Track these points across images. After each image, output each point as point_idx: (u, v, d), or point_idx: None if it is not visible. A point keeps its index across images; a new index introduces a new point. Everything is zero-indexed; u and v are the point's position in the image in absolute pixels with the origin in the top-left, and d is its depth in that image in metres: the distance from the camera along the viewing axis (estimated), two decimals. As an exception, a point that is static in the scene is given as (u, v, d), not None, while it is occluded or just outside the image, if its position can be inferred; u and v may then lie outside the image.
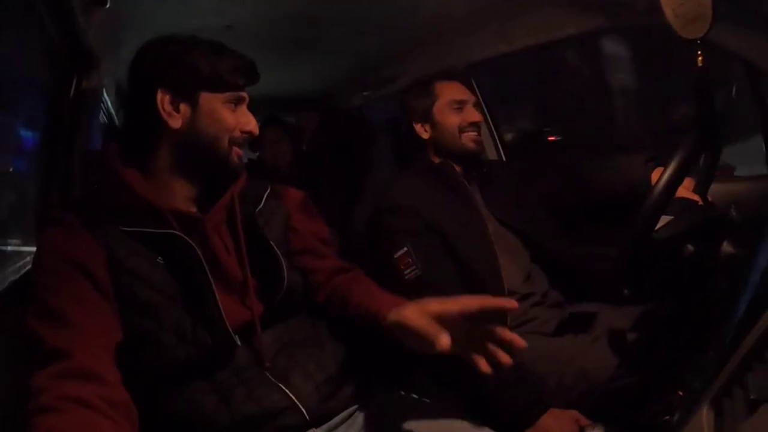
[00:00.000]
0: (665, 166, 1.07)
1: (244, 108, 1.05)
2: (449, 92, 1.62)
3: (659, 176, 1.08)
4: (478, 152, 1.62)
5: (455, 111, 1.60)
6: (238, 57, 1.03)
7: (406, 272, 1.41)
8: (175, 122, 0.99)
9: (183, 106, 1.00)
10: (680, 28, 0.98)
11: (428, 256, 1.42)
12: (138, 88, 1.02)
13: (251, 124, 1.05)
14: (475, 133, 1.60)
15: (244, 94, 1.05)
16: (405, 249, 1.42)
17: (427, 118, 1.62)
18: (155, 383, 0.94)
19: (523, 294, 1.48)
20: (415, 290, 1.34)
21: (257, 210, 1.10)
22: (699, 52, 1.00)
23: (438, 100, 1.61)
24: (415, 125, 1.64)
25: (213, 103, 1.01)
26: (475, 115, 1.60)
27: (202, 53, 1.00)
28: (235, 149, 1.04)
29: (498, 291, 1.42)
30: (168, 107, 0.99)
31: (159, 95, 0.98)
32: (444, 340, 0.85)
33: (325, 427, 0.97)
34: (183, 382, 0.94)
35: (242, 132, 1.04)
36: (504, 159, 2.35)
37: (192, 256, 0.96)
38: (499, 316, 0.90)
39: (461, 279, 1.44)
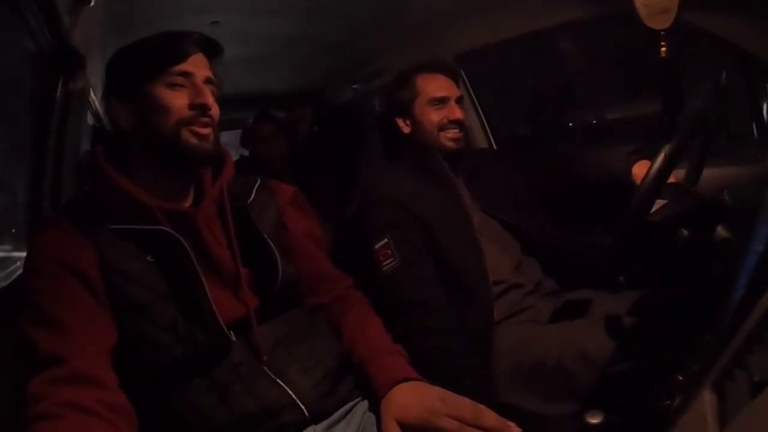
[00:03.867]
0: (657, 153, 1.08)
1: (198, 84, 1.00)
2: (430, 88, 1.57)
3: (651, 163, 1.08)
4: (458, 151, 1.57)
5: (436, 108, 1.56)
6: (177, 31, 1.02)
7: (384, 264, 1.39)
8: (126, 123, 1.02)
9: (130, 106, 1.02)
10: (646, 18, 1.00)
11: (409, 249, 1.40)
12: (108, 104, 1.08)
13: (203, 96, 0.99)
14: (455, 131, 1.56)
15: (189, 68, 1.00)
16: (385, 240, 1.41)
17: (407, 113, 1.59)
18: (153, 383, 0.93)
19: (513, 283, 1.48)
20: (391, 283, 1.34)
21: (248, 202, 1.09)
22: (662, 43, 1.02)
23: (419, 97, 1.57)
24: (396, 120, 1.61)
25: (153, 91, 0.99)
26: (456, 113, 1.55)
27: (140, 49, 1.02)
28: (190, 128, 0.99)
29: (482, 282, 1.43)
30: (120, 112, 1.02)
31: (113, 104, 1.03)
32: None
33: (324, 423, 0.97)
34: (181, 381, 0.93)
35: (192, 107, 0.99)
36: (495, 147, 2.35)
37: (182, 252, 0.95)
38: None
39: (444, 270, 1.43)
